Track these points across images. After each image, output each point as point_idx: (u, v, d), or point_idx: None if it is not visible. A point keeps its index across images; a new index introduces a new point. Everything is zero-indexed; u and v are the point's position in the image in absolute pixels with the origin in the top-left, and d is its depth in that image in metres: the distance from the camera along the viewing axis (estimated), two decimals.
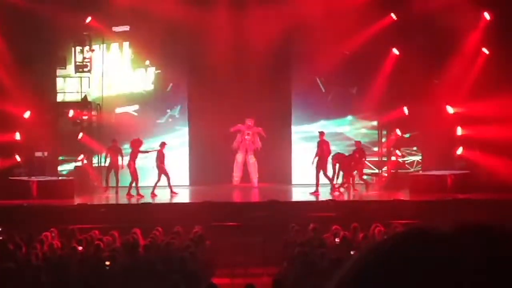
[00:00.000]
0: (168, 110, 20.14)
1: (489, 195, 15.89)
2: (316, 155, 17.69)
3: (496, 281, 0.87)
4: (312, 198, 17.16)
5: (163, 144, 17.81)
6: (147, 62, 20.01)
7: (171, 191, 17.61)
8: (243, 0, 19.13)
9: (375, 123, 20.13)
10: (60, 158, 19.49)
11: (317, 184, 17.62)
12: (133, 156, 17.80)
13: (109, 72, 20.00)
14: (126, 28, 19.74)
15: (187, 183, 19.52)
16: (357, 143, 18.62)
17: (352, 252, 10.13)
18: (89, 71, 19.56)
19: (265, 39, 18.47)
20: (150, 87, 20.13)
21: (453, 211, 14.56)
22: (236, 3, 19.09)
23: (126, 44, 20.01)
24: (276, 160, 19.19)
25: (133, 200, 17.11)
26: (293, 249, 10.95)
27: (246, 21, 18.97)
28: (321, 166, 17.66)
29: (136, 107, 20.10)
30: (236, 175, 18.95)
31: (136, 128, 19.12)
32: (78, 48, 19.42)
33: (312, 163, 17.72)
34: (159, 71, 19.98)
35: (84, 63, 19.43)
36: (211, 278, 10.51)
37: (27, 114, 18.49)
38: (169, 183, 17.62)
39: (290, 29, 18.88)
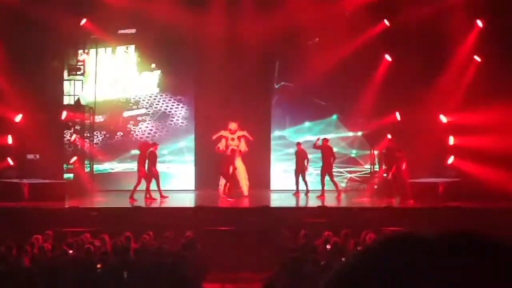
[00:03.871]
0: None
1: (480, 203, 15.92)
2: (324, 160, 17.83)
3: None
4: (303, 203, 17.11)
5: (154, 145, 17.60)
6: (153, 65, 20.06)
7: (161, 195, 17.36)
8: (240, 9, 19.17)
9: (359, 133, 20.05)
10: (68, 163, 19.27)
11: (322, 190, 17.77)
12: (142, 160, 17.30)
13: (110, 76, 19.99)
14: (132, 31, 19.73)
15: (193, 187, 19.66)
16: (325, 140, 18.05)
17: (343, 259, 10.13)
18: (82, 74, 19.46)
19: (258, 43, 18.56)
20: (155, 90, 20.14)
21: (444, 218, 14.59)
22: (232, 12, 19.14)
23: (131, 47, 20.02)
24: (256, 166, 19.08)
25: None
26: (284, 255, 10.96)
27: (242, 26, 19.02)
28: (326, 171, 17.80)
29: (143, 110, 20.11)
30: (222, 183, 18.11)
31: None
32: (73, 51, 19.40)
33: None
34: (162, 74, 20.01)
35: (78, 66, 19.36)
36: (202, 283, 10.51)
37: (19, 117, 18.42)
38: (158, 186, 17.45)
39: (282, 35, 18.92)
